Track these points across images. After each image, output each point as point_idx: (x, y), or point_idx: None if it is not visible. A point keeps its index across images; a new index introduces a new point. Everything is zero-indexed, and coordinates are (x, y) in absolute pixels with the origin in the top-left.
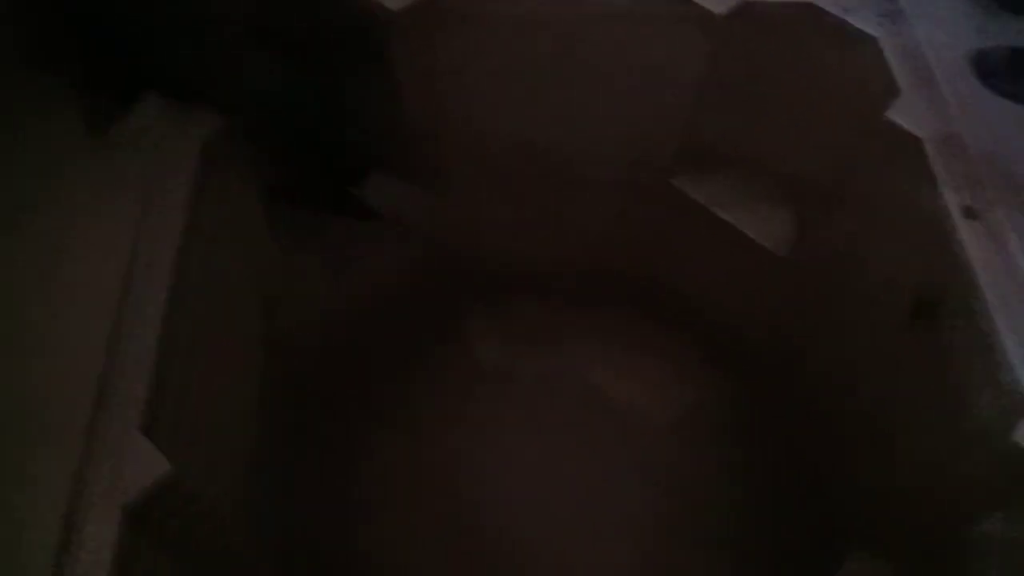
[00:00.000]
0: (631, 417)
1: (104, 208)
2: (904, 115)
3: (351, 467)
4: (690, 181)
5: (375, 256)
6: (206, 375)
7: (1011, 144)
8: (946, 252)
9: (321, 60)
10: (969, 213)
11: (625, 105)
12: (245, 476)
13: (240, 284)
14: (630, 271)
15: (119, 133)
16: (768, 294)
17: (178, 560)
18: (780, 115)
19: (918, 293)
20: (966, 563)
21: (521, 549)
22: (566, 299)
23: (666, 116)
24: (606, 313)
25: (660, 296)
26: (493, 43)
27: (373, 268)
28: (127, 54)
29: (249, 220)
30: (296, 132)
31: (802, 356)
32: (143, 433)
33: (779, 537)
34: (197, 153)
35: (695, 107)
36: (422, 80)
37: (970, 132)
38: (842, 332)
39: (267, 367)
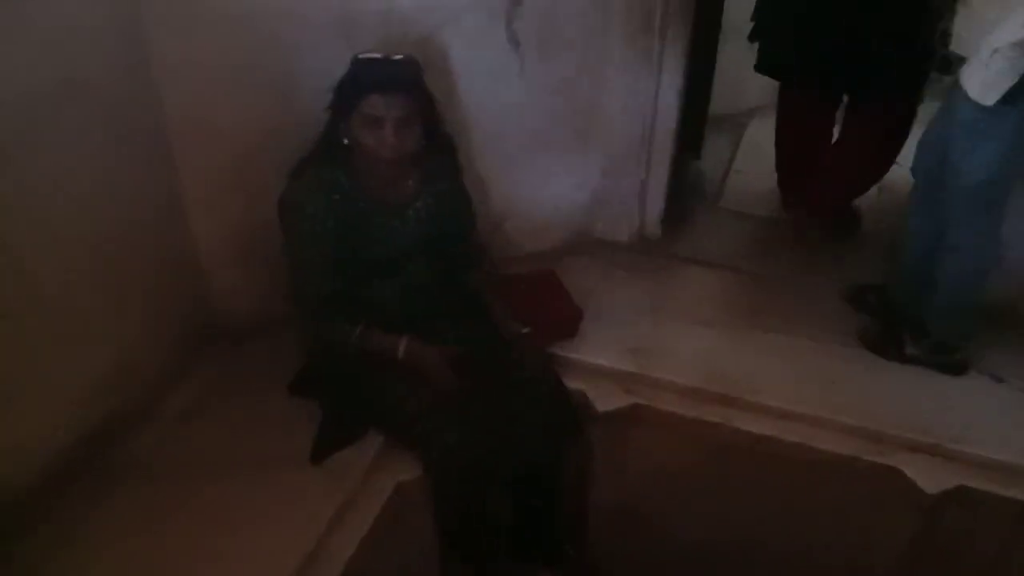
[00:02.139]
0: None
1: (295, 512)
2: None
3: None
4: None
5: None
6: None
7: None
8: None
9: (528, 436)
10: None
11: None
12: None
13: None
14: None
15: (341, 460)
16: None
17: None
18: None
19: None
20: None
21: None
22: None
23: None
24: None
25: None
26: (684, 451)
27: None
28: (356, 401)
29: (419, 562)
30: (488, 496)
31: None
32: None
33: None
34: (389, 492)
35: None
36: (614, 469)
37: None
38: None
39: None
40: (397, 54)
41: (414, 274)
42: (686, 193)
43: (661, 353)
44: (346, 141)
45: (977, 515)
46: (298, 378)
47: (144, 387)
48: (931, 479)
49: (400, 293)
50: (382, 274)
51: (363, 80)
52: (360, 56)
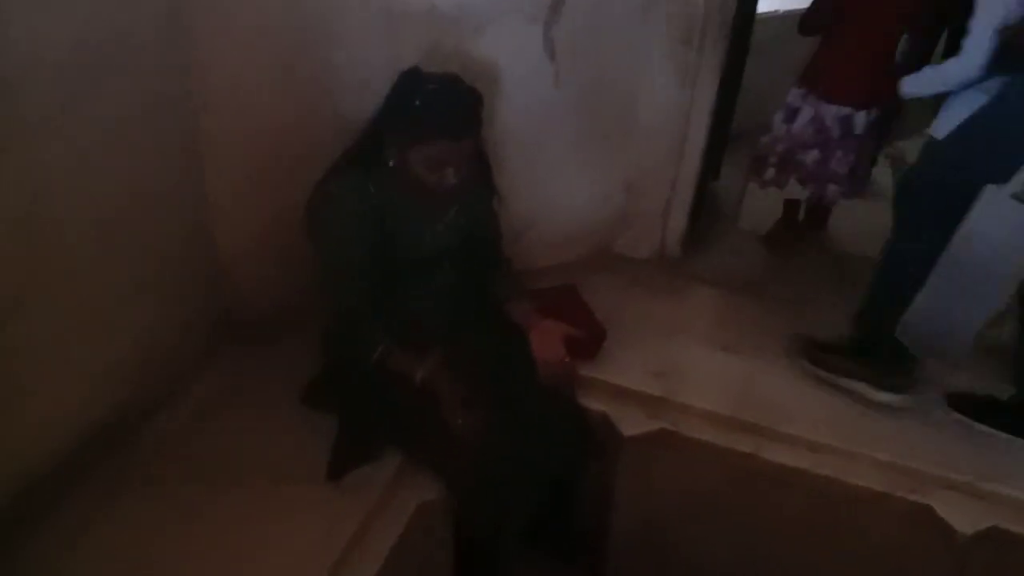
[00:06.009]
0: None
1: (313, 529)
2: None
3: None
4: None
5: None
6: None
7: None
8: None
9: (551, 451)
10: None
11: None
12: None
13: None
14: None
15: (359, 477)
16: None
17: None
18: None
19: None
20: None
21: None
22: None
23: None
24: None
25: None
26: (710, 479)
27: None
28: (373, 417)
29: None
30: (509, 519)
31: None
32: None
33: None
34: (411, 512)
35: None
36: (636, 490)
37: None
38: None
39: None
40: (460, 82)
41: (442, 279)
42: (704, 212)
43: (686, 377)
44: (392, 163)
45: (1011, 558)
46: (312, 388)
47: (158, 380)
48: (965, 519)
49: (428, 297)
50: (411, 277)
51: (432, 123)
52: (424, 85)
